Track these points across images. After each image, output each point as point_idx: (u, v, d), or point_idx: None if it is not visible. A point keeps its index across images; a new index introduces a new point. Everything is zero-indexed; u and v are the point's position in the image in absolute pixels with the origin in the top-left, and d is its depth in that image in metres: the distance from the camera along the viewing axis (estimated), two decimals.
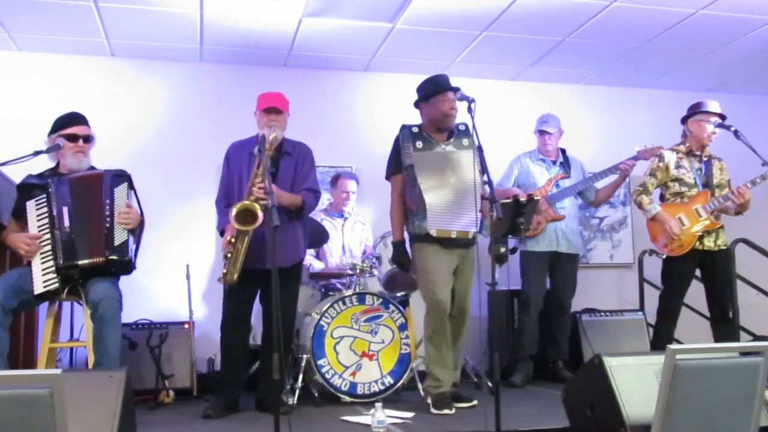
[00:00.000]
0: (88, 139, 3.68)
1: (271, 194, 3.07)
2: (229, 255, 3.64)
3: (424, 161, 3.77)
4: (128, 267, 3.56)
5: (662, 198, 4.52)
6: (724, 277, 4.37)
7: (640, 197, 4.48)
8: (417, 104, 3.93)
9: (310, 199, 3.91)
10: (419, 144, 3.80)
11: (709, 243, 4.33)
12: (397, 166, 3.86)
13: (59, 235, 3.45)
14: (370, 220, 5.33)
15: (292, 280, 3.84)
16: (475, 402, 3.75)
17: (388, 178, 3.94)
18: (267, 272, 3.71)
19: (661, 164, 4.47)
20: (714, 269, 4.35)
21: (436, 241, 3.71)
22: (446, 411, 3.57)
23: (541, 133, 4.91)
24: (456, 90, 3.76)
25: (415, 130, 3.86)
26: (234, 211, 3.54)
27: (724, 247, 4.39)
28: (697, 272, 4.47)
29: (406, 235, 3.90)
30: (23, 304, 3.43)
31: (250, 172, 3.79)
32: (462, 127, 3.89)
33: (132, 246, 3.56)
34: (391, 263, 4.00)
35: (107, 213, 3.49)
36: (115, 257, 3.44)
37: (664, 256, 4.43)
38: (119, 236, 3.48)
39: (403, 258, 3.86)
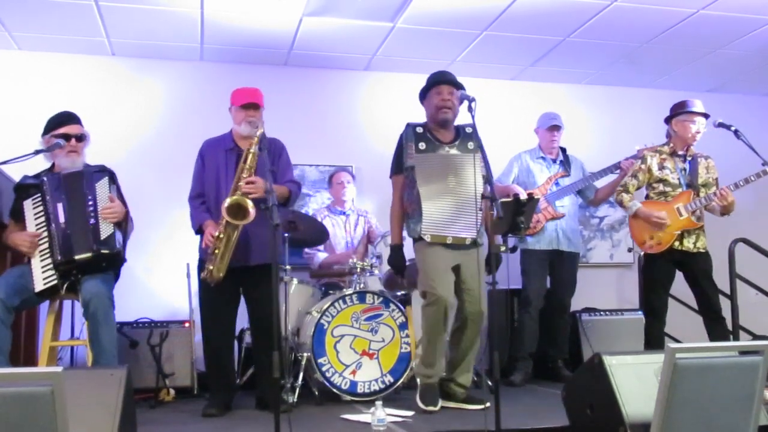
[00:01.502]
0: (80, 138, 3.67)
1: (272, 193, 3.06)
2: (216, 251, 3.62)
3: (425, 164, 3.69)
4: (118, 259, 3.57)
5: (646, 197, 4.52)
6: (707, 278, 4.35)
7: (620, 196, 4.47)
8: (422, 102, 3.88)
9: (295, 190, 3.93)
10: (422, 145, 3.71)
11: (688, 244, 4.31)
12: (399, 166, 3.79)
13: (55, 231, 3.46)
14: (372, 211, 5.32)
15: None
16: (488, 404, 3.54)
17: (390, 177, 3.87)
18: (249, 270, 3.72)
19: (643, 166, 4.46)
20: (695, 272, 4.34)
21: (436, 242, 3.67)
22: (431, 408, 3.54)
23: (552, 128, 4.87)
24: (455, 85, 3.70)
25: (420, 130, 3.76)
26: (226, 203, 3.53)
27: (704, 250, 4.36)
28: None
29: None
30: (25, 303, 3.44)
31: (227, 169, 3.79)
32: (469, 130, 3.77)
33: (120, 239, 3.56)
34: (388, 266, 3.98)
35: (91, 208, 3.51)
36: (105, 250, 3.45)
37: (642, 253, 4.45)
38: (105, 229, 3.49)
39: (399, 262, 3.81)
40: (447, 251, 3.67)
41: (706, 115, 4.40)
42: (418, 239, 3.70)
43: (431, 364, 3.69)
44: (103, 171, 3.66)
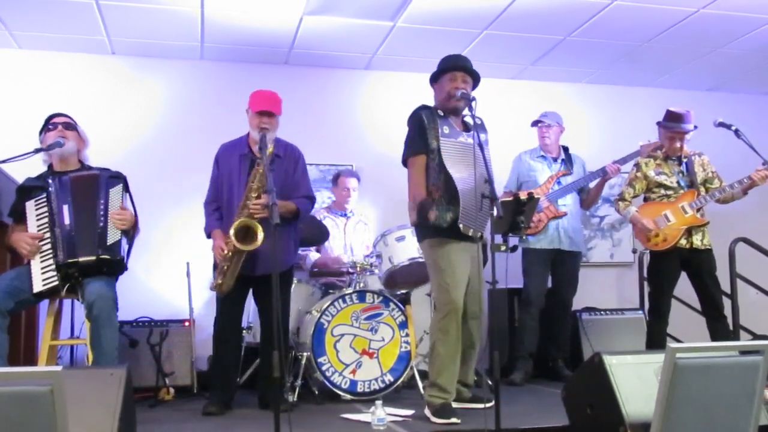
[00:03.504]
0: (67, 125, 3.68)
1: (272, 191, 3.06)
2: (225, 267, 3.65)
3: (451, 149, 3.45)
4: (120, 267, 3.57)
5: (646, 199, 4.53)
6: (711, 276, 4.37)
7: (617, 204, 4.56)
8: (432, 85, 3.69)
9: (305, 206, 3.90)
10: (446, 129, 3.47)
11: (696, 241, 4.34)
12: (422, 146, 3.47)
13: (60, 232, 3.45)
14: (372, 219, 5.33)
15: (284, 284, 3.80)
16: (491, 404, 3.33)
17: (407, 158, 3.55)
18: (257, 277, 3.74)
19: (638, 174, 4.49)
20: (701, 269, 4.35)
21: (453, 237, 3.43)
22: (453, 420, 3.26)
23: (538, 125, 4.90)
24: (470, 72, 3.58)
25: (441, 113, 3.53)
26: (233, 229, 3.55)
27: (710, 247, 4.40)
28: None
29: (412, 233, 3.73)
30: (21, 304, 3.42)
31: (241, 174, 3.78)
32: (479, 121, 3.60)
33: (125, 246, 3.58)
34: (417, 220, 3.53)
35: (101, 212, 3.51)
36: (106, 256, 3.45)
37: (647, 252, 4.48)
38: (112, 236, 3.49)
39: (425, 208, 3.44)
40: (464, 250, 3.49)
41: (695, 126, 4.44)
42: (440, 230, 3.43)
43: (449, 389, 3.42)
44: (118, 177, 3.68)
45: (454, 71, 3.58)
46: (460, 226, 3.40)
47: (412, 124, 3.59)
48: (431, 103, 3.69)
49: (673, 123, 4.39)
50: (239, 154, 3.87)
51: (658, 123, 4.51)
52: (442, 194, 3.45)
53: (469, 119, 3.61)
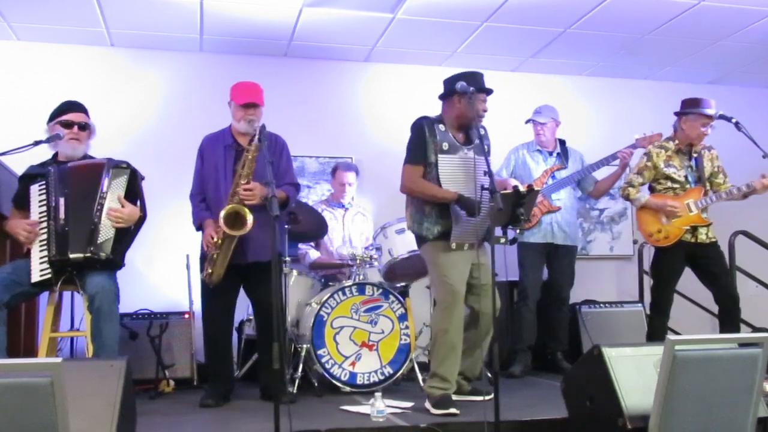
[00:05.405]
0: (83, 126, 3.65)
1: (271, 184, 3.06)
2: (215, 256, 3.63)
3: (449, 167, 3.52)
4: (112, 264, 3.49)
5: (652, 190, 4.51)
6: (722, 265, 4.36)
7: (626, 191, 4.47)
8: (444, 97, 3.65)
9: (293, 193, 3.92)
10: (445, 146, 3.52)
11: (702, 236, 4.33)
12: (422, 156, 3.52)
13: (54, 225, 3.41)
14: (371, 212, 5.33)
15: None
16: (491, 396, 3.33)
17: (406, 165, 3.59)
18: (248, 266, 3.73)
19: (649, 163, 4.44)
20: (710, 262, 4.34)
21: (449, 245, 3.51)
22: (452, 410, 3.27)
23: (533, 123, 4.90)
24: (489, 92, 3.60)
25: (442, 128, 3.56)
26: (223, 213, 3.54)
27: (715, 240, 4.39)
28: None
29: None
30: (18, 297, 3.40)
31: (226, 166, 3.77)
32: (482, 131, 3.65)
33: (119, 244, 3.50)
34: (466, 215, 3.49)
35: (97, 207, 3.44)
36: (97, 255, 3.39)
37: (646, 244, 4.46)
38: (104, 233, 3.42)
39: (471, 203, 3.40)
40: (464, 252, 3.55)
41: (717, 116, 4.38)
42: (430, 239, 3.53)
43: (450, 379, 3.46)
44: (123, 168, 3.59)
45: (482, 93, 3.57)
46: (452, 245, 3.48)
47: (414, 132, 3.61)
48: (431, 96, 3.69)
49: (694, 108, 4.32)
50: (223, 146, 3.87)
51: (679, 112, 4.40)
52: (432, 207, 3.53)
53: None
